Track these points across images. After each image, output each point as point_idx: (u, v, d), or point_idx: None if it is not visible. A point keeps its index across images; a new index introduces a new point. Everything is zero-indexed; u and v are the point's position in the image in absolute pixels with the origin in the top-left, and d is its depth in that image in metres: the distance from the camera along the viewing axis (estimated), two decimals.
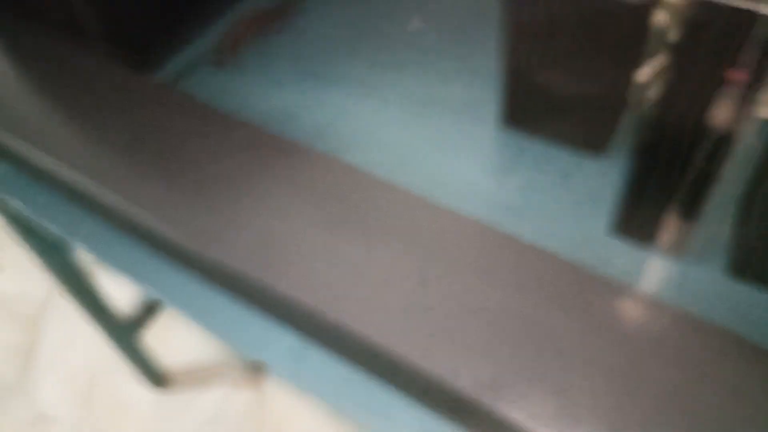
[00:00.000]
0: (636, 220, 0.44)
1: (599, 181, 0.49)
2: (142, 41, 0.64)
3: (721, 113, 0.37)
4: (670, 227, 0.44)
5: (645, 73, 0.44)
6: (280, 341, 0.44)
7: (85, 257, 0.85)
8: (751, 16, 0.32)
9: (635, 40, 0.43)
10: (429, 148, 0.53)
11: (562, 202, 0.48)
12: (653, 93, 0.42)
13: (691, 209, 0.42)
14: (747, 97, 0.36)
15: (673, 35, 0.37)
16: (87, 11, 0.59)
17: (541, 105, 0.51)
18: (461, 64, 0.60)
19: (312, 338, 0.40)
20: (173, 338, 1.18)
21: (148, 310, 1.02)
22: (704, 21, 0.34)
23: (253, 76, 0.61)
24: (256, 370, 1.14)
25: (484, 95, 0.56)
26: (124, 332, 1.00)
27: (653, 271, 0.44)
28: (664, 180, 0.41)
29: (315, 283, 0.36)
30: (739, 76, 0.35)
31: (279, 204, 0.39)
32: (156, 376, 1.11)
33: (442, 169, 0.52)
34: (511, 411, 0.30)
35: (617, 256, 0.45)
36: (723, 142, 0.38)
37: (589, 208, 0.48)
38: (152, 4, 0.63)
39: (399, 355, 0.33)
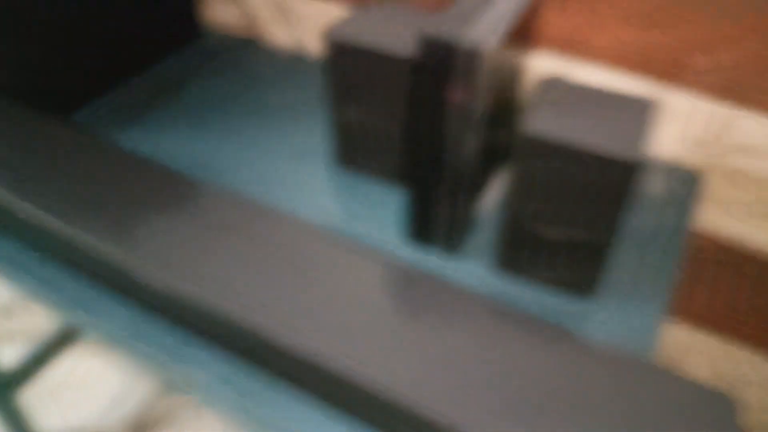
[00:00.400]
0: (422, 227, 0.56)
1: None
2: (59, 86, 0.69)
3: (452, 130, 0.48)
4: (448, 230, 0.55)
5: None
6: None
7: None
8: (454, 51, 0.44)
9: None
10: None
11: (373, 221, 0.60)
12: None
13: (460, 215, 0.54)
14: (467, 113, 0.47)
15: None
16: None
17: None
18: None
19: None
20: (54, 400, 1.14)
21: (27, 369, 0.98)
22: (422, 56, 0.45)
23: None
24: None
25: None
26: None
27: (435, 267, 0.56)
28: (431, 194, 0.53)
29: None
30: (457, 97, 0.46)
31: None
32: None
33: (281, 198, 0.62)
34: None
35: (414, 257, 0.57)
36: (460, 155, 0.49)
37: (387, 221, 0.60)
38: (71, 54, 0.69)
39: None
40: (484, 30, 0.45)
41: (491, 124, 0.52)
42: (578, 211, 0.48)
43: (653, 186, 0.66)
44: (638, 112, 0.49)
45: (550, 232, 0.51)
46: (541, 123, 0.47)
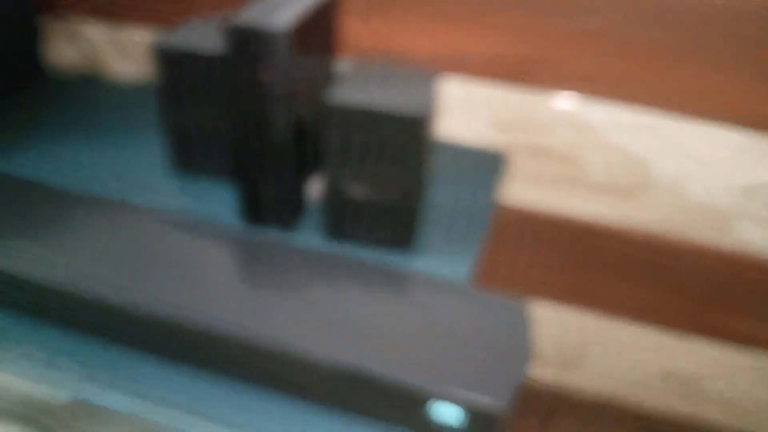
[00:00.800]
0: (253, 208, 0.61)
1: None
2: None
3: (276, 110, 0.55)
4: (279, 209, 0.60)
5: None
6: None
7: None
8: (257, 35, 0.51)
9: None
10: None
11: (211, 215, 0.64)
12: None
13: (289, 192, 0.59)
14: (277, 92, 0.54)
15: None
16: None
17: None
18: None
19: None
20: None
21: None
22: (231, 43, 0.52)
23: None
24: None
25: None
26: None
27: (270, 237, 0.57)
28: (257, 174, 0.59)
29: None
30: (266, 77, 0.53)
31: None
32: None
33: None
34: None
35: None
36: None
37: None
38: None
39: None
40: (283, 17, 0.53)
41: (309, 108, 0.59)
42: (385, 172, 0.56)
43: (464, 167, 0.76)
44: (425, 84, 0.58)
45: (364, 196, 0.58)
46: (342, 94, 0.54)
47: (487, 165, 0.76)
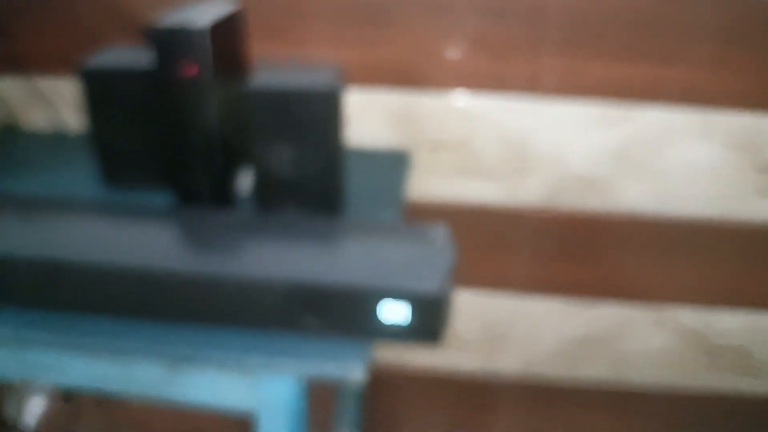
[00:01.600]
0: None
1: None
2: None
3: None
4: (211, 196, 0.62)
5: None
6: None
7: None
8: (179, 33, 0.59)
9: None
10: None
11: None
12: None
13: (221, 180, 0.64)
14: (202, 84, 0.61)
15: None
16: None
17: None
18: None
19: None
20: None
21: None
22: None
23: None
24: None
25: None
26: None
27: None
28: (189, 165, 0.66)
29: None
30: (191, 71, 0.60)
31: None
32: None
33: None
34: None
35: None
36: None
37: None
38: None
39: None
40: (201, 19, 0.61)
41: (231, 99, 0.66)
42: (305, 146, 0.63)
43: (375, 164, 0.84)
44: (330, 72, 0.67)
45: (289, 171, 0.64)
46: (259, 81, 0.62)
47: (393, 162, 0.85)
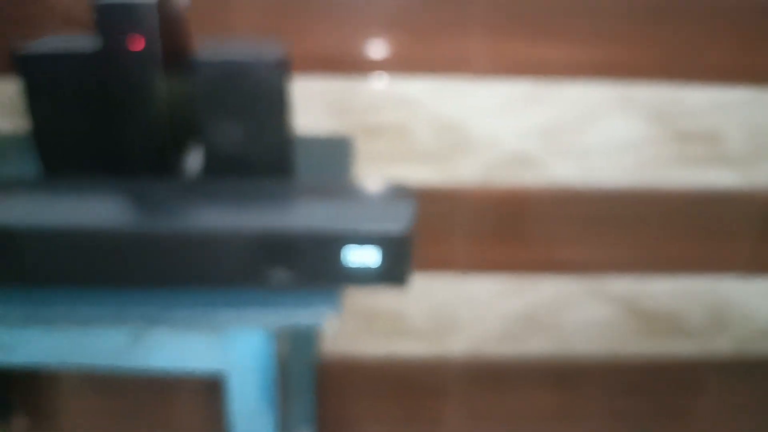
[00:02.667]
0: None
1: None
2: None
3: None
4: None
5: None
6: None
7: None
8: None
9: None
10: None
11: None
12: None
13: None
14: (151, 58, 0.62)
15: None
16: None
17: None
18: None
19: None
20: None
21: None
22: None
23: None
24: None
25: None
26: None
27: None
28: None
29: None
30: (139, 45, 0.61)
31: None
32: None
33: None
34: None
35: None
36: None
37: None
38: None
39: None
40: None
41: (177, 74, 0.66)
42: (253, 116, 0.64)
43: (319, 150, 0.86)
44: (273, 45, 0.68)
45: (238, 143, 0.65)
46: (206, 55, 0.63)
47: (337, 147, 0.87)
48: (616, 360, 1.09)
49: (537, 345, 1.07)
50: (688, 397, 1.12)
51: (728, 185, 0.96)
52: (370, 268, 0.50)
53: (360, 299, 1.03)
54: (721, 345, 1.08)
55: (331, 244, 0.49)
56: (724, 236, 1.00)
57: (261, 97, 0.63)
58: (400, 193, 0.57)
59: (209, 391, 1.09)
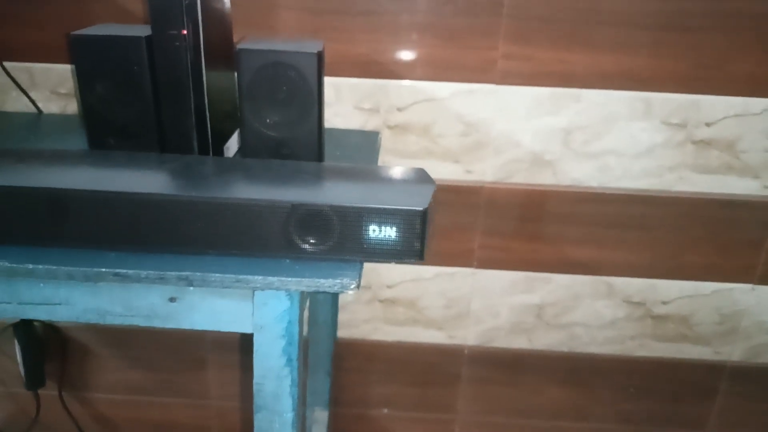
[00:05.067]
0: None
1: None
2: None
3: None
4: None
5: None
6: None
7: None
8: None
9: None
10: None
11: None
12: None
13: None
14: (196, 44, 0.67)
15: None
16: None
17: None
18: None
19: None
20: None
21: None
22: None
23: None
24: None
25: None
26: None
27: None
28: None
29: None
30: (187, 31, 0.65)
31: None
32: None
33: None
34: None
35: None
36: None
37: None
38: None
39: None
40: None
41: (222, 63, 0.71)
42: (290, 103, 0.68)
43: (348, 141, 0.90)
44: (312, 41, 0.73)
45: (275, 126, 0.70)
46: (249, 45, 0.68)
47: (365, 140, 0.92)
48: (626, 361, 1.11)
49: (548, 341, 1.10)
50: (698, 401, 1.14)
51: (745, 193, 0.99)
52: (391, 241, 0.54)
53: (380, 289, 1.07)
54: (733, 351, 1.10)
55: (356, 216, 0.53)
56: (740, 244, 1.02)
57: (299, 85, 0.68)
58: (421, 177, 0.61)
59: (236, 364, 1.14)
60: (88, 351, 1.15)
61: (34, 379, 1.12)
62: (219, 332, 1.10)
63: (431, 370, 1.14)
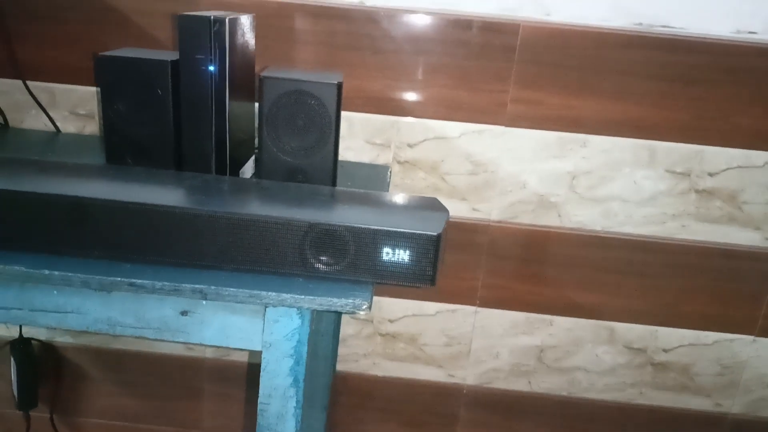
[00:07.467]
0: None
1: None
2: None
3: None
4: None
5: None
6: None
7: None
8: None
9: None
10: None
11: None
12: None
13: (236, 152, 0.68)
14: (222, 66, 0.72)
15: None
16: None
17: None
18: None
19: None
20: None
21: None
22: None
23: None
24: None
25: None
26: None
27: None
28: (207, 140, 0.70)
29: None
30: (213, 53, 0.68)
31: None
32: None
33: None
34: None
35: None
36: None
37: None
38: None
39: None
40: (219, 15, 0.69)
41: (244, 88, 0.73)
42: (308, 129, 0.70)
43: (360, 173, 0.92)
44: (332, 73, 0.75)
45: (292, 152, 0.71)
46: (272, 73, 0.70)
47: (376, 172, 0.93)
48: (625, 408, 1.10)
49: (548, 384, 1.10)
50: None
51: (747, 244, 1.00)
52: (404, 264, 0.55)
53: (381, 323, 1.07)
54: (734, 404, 1.09)
55: (370, 238, 0.54)
56: (741, 295, 1.03)
57: (318, 113, 0.70)
58: (434, 205, 0.62)
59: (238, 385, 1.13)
60: (83, 374, 1.14)
61: (27, 400, 1.11)
62: (217, 361, 1.11)
63: (429, 410, 1.12)
